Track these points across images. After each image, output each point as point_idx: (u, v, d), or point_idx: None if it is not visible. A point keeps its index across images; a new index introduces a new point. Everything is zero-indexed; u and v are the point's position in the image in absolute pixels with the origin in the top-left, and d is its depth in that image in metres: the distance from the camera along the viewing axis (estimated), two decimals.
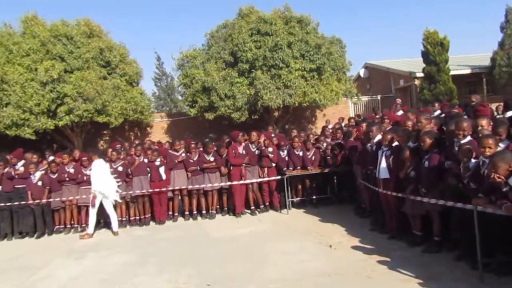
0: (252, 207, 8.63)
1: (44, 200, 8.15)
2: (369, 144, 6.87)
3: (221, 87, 14.26)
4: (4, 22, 14.81)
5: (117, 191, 8.08)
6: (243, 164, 8.48)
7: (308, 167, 8.53)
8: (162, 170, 8.50)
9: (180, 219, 8.69)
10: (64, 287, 5.27)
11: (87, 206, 8.16)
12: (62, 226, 8.34)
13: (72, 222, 8.45)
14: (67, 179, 8.26)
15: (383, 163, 6.05)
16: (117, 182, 8.21)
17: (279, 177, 8.55)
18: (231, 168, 8.50)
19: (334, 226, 7.07)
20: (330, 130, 10.00)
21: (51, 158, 9.35)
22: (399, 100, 12.64)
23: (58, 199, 8.17)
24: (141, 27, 58.79)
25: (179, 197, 8.81)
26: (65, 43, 14.06)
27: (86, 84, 13.11)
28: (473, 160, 4.47)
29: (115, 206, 8.53)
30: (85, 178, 8.31)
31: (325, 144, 9.03)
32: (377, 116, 10.06)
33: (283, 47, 14.21)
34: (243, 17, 15.66)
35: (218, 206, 8.84)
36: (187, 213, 8.75)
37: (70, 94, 13.09)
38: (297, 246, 6.11)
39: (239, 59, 14.67)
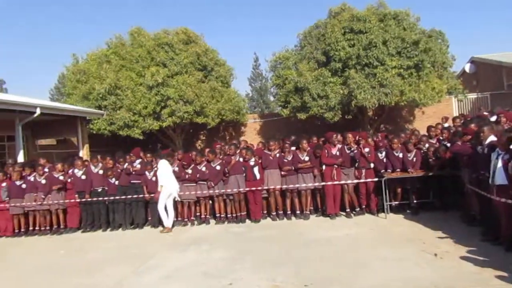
0: (348, 209, 8.44)
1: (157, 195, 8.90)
2: (479, 146, 6.26)
3: (313, 87, 14.19)
4: (116, 34, 16.53)
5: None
6: (336, 165, 8.33)
7: (409, 170, 8.06)
8: (256, 169, 8.72)
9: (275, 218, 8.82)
10: (171, 276, 5.65)
11: (189, 202, 8.78)
12: None
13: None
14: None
15: (500, 168, 5.45)
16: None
17: (376, 179, 8.23)
18: (323, 168, 8.42)
19: (438, 234, 6.57)
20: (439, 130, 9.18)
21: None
22: None
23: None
24: (242, 30, 61.74)
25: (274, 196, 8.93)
26: (166, 50, 15.21)
27: (186, 87, 14.04)
28: None
29: (213, 202, 9.03)
30: (187, 176, 8.91)
31: (427, 145, 8.44)
32: (487, 114, 9.12)
33: (377, 44, 13.66)
34: (335, 16, 15.41)
35: (312, 207, 8.82)
36: (281, 212, 8.85)
37: (172, 97, 14.12)
38: (398, 253, 5.80)
39: (332, 58, 14.45)
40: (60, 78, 34.69)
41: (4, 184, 9.20)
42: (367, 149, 8.31)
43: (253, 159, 8.78)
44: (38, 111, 11.29)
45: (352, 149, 8.40)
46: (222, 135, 17.78)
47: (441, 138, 8.71)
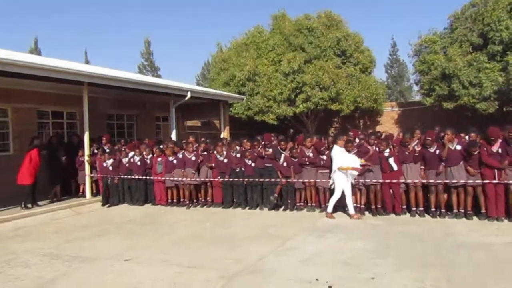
0: None
1: (290, 180, 9.03)
2: None
3: (465, 74, 12.70)
4: (255, 25, 17.20)
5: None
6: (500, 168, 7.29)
7: None
8: (391, 160, 8.24)
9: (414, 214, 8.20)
10: (308, 260, 5.62)
11: (325, 188, 8.69)
12: (302, 204, 9.11)
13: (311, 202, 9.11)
14: (307, 162, 8.92)
15: None
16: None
17: None
18: (481, 167, 7.44)
19: None
20: None
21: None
22: None
23: (301, 180, 8.93)
24: (379, 15, 59.09)
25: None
26: (306, 35, 15.22)
27: (323, 73, 13.88)
28: None
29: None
30: (322, 162, 8.83)
31: None
32: None
33: None
34: None
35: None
36: (421, 209, 8.17)
37: (308, 83, 14.13)
38: None
39: (490, 40, 12.69)
40: (206, 65, 37.87)
41: (159, 159, 10.39)
42: None
43: (387, 150, 8.28)
44: (189, 94, 12.44)
45: None
46: (357, 123, 17.24)
47: None
